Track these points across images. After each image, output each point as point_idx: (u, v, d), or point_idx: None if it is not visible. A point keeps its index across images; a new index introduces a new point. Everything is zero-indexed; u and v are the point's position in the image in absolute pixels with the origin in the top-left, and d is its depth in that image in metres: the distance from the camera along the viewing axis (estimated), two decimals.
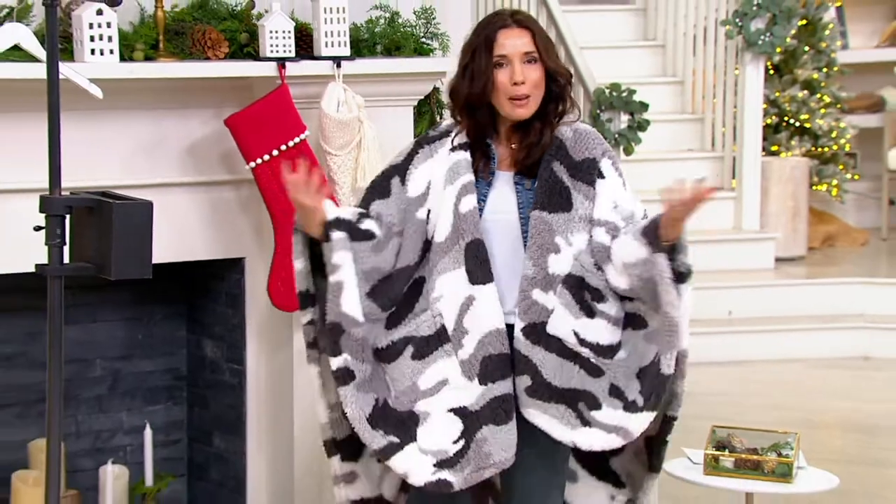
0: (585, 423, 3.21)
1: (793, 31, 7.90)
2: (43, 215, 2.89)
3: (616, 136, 6.37)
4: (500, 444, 3.20)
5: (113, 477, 4.26)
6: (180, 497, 4.59)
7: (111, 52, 3.82)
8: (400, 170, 3.37)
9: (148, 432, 4.36)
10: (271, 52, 4.05)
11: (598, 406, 3.22)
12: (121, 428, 4.47)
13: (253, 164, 4.05)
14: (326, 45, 4.12)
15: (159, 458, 4.44)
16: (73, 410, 4.37)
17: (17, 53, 3.71)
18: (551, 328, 3.23)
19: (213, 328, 4.44)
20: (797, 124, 8.20)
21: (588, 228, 3.26)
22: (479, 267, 3.24)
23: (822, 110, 8.27)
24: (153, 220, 2.90)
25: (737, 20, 7.59)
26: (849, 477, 4.52)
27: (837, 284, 7.44)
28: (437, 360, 3.26)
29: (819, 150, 8.25)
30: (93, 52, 3.79)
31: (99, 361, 4.42)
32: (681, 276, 3.13)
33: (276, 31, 4.05)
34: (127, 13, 3.96)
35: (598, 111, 6.42)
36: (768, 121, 8.08)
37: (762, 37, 7.57)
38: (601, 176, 3.27)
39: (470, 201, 3.27)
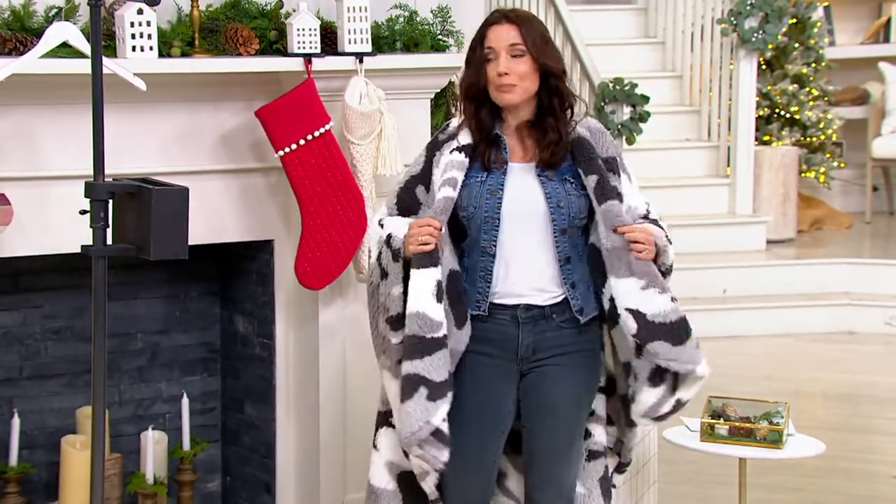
0: None
1: (784, 29, 7.87)
2: (88, 200, 2.89)
3: (619, 126, 6.35)
4: None
5: (153, 442, 4.27)
6: (215, 461, 4.59)
7: (150, 48, 3.81)
8: (421, 178, 3.36)
9: (185, 401, 4.37)
10: (298, 48, 4.04)
11: None
12: (160, 397, 4.48)
13: (281, 153, 4.05)
14: (350, 42, 4.11)
15: (195, 424, 4.44)
16: (116, 380, 4.38)
17: (65, 50, 3.70)
18: None
19: (245, 305, 4.44)
20: (787, 116, 8.16)
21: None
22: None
23: (811, 103, 8.24)
24: (189, 204, 2.90)
25: (732, 19, 7.56)
26: (834, 443, 4.52)
27: (824, 264, 7.41)
28: None
29: (808, 139, 8.21)
30: (133, 48, 3.79)
31: (139, 335, 4.42)
32: None
33: (303, 29, 4.04)
34: (165, 12, 3.95)
35: (603, 103, 6.40)
36: (760, 112, 8.04)
37: (755, 34, 7.53)
38: (619, 175, 3.29)
39: (447, 192, 3.24)
